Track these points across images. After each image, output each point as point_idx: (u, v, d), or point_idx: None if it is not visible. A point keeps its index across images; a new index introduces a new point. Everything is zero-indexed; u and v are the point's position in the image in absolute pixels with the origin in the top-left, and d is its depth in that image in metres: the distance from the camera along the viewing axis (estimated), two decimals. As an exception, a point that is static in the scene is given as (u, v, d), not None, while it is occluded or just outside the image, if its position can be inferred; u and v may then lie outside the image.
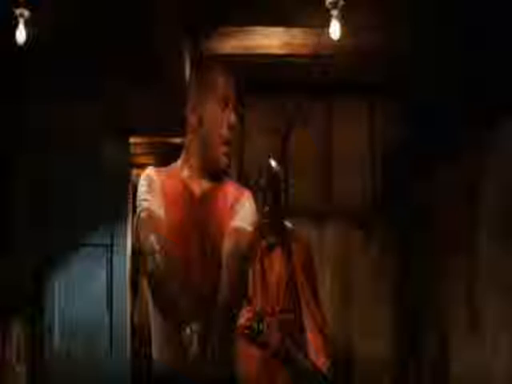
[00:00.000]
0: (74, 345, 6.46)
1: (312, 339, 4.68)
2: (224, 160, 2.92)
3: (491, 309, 5.09)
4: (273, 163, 4.91)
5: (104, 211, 6.30)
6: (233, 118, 2.91)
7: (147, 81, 6.40)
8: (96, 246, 6.45)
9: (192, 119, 2.95)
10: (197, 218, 2.95)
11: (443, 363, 5.82)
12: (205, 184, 2.99)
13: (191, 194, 2.98)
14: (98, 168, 6.57)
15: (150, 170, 2.96)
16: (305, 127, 6.63)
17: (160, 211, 2.87)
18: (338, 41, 5.36)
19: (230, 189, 3.01)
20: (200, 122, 2.93)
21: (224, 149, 2.92)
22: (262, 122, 6.62)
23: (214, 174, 2.98)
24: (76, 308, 6.54)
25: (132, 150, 6.87)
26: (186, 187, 2.99)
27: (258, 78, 6.48)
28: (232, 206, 2.97)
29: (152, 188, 2.91)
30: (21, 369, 6.60)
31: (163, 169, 3.01)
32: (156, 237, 2.81)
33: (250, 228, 2.94)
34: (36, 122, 6.76)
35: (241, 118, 6.58)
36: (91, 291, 6.50)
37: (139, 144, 6.99)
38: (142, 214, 2.87)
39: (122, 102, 6.63)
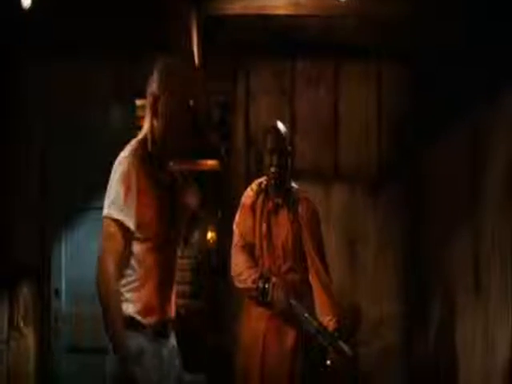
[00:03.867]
0: (81, 306, 6.49)
1: (318, 297, 4.77)
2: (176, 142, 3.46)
3: (496, 273, 5.14)
4: (279, 125, 4.97)
5: (110, 173, 6.27)
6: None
7: (155, 43, 6.41)
8: (101, 209, 6.44)
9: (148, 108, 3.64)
10: (165, 207, 3.43)
11: (449, 325, 5.87)
12: (167, 172, 3.52)
13: (162, 184, 3.45)
14: (103, 130, 6.58)
15: (129, 165, 3.36)
16: (311, 89, 6.66)
17: (130, 224, 3.27)
18: (346, 2, 5.38)
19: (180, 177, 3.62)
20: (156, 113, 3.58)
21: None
22: (268, 83, 6.65)
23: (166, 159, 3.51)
24: (82, 270, 6.54)
25: (138, 112, 6.89)
26: (157, 179, 3.44)
27: (265, 39, 6.49)
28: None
29: (129, 194, 3.30)
30: (28, 331, 6.69)
31: (139, 152, 3.46)
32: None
33: None
34: (38, 84, 6.79)
35: (246, 80, 6.62)
36: (97, 253, 6.52)
37: (146, 107, 7.00)
38: (110, 228, 3.28)
39: (129, 65, 6.65)
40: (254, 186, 5.12)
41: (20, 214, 6.71)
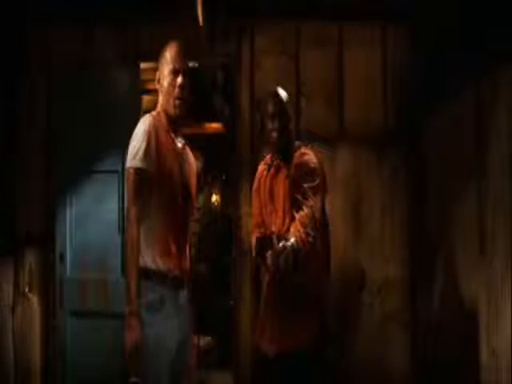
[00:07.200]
0: (86, 271, 6.57)
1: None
2: (176, 111, 4.04)
3: (501, 237, 5.18)
4: (279, 91, 5.08)
5: (115, 137, 6.29)
6: (180, 80, 4.01)
7: (160, 6, 6.44)
8: (107, 172, 6.47)
9: (158, 85, 4.11)
10: (179, 168, 4.06)
11: (452, 286, 5.92)
12: (180, 140, 4.16)
13: (176, 147, 4.08)
14: (108, 93, 6.61)
15: (150, 126, 3.92)
16: (316, 51, 6.68)
17: (152, 169, 3.86)
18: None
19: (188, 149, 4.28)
20: (161, 86, 4.06)
21: (177, 102, 4.02)
22: (273, 45, 6.67)
23: (177, 128, 4.13)
24: (87, 235, 6.59)
25: (143, 75, 6.91)
26: (173, 141, 4.08)
27: (270, 1, 6.53)
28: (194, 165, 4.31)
29: (150, 146, 3.87)
30: (33, 297, 6.79)
31: (157, 119, 4.02)
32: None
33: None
34: (42, 45, 6.83)
35: (251, 42, 6.67)
36: (102, 217, 6.55)
37: (150, 70, 7.05)
38: (133, 177, 3.81)
39: (133, 28, 6.68)
40: (265, 160, 5.27)
41: (25, 180, 6.79)
